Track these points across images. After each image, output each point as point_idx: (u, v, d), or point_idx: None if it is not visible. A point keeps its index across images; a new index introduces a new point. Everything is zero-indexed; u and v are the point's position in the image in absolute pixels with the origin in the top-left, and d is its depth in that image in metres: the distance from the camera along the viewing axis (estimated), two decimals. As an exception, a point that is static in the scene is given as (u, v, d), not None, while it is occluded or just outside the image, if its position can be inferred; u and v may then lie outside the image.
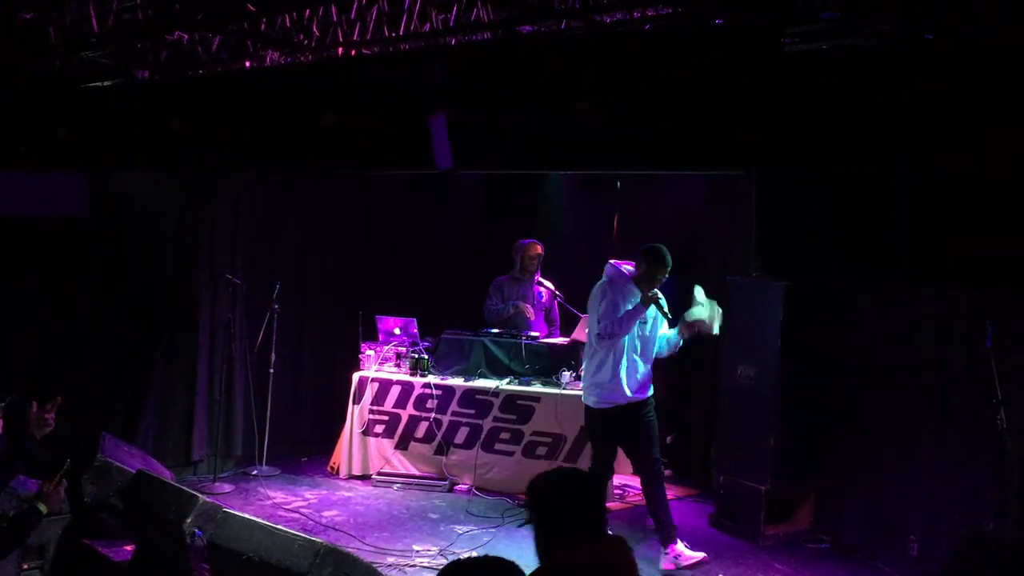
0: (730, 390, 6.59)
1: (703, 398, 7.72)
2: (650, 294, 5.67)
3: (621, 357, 5.79)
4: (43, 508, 4.22)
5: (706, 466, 7.53)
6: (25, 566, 4.84)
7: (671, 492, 7.29)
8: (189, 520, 4.50)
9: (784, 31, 3.69)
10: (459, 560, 2.34)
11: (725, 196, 7.47)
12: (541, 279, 7.69)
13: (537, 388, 7.13)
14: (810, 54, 3.63)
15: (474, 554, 5.81)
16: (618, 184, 8.51)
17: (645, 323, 5.88)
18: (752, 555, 6.04)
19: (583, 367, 6.22)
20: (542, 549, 2.71)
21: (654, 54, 3.56)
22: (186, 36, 4.59)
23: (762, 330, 6.29)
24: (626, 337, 5.77)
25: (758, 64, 3.40)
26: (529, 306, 7.62)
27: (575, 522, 2.69)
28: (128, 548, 5.04)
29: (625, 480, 7.30)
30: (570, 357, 7.22)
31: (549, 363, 7.29)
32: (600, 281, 5.96)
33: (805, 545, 6.25)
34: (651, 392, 5.95)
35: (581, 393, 6.80)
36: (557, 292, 7.69)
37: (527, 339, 7.39)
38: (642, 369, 5.88)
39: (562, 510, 2.70)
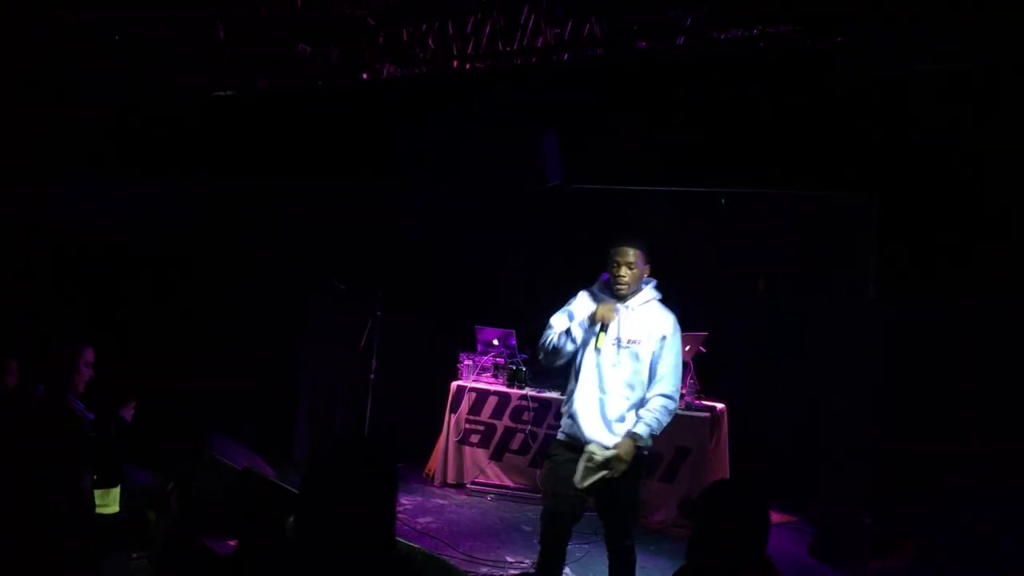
0: (833, 417, 6.42)
1: (803, 422, 7.55)
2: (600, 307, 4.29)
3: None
4: (152, 516, 4.36)
5: (805, 493, 7.36)
6: (134, 556, 5.04)
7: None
8: (292, 518, 4.61)
9: (908, 50, 3.60)
10: None
11: (837, 216, 7.28)
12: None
13: (634, 405, 7.05)
14: (935, 75, 3.53)
15: (567, 569, 5.80)
16: (722, 200, 8.40)
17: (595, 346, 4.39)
18: (852, 588, 5.87)
19: None
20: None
21: (772, 72, 3.52)
22: (308, 48, 4.73)
23: (868, 356, 6.11)
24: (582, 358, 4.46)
25: (881, 84, 3.31)
26: None
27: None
28: (232, 543, 5.19)
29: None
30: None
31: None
32: None
33: (907, 581, 6.04)
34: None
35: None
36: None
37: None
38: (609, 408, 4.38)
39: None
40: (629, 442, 4.24)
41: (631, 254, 4.28)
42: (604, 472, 4.25)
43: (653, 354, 4.30)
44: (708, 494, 2.69)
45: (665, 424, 4.28)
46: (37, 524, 3.60)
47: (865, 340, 6.17)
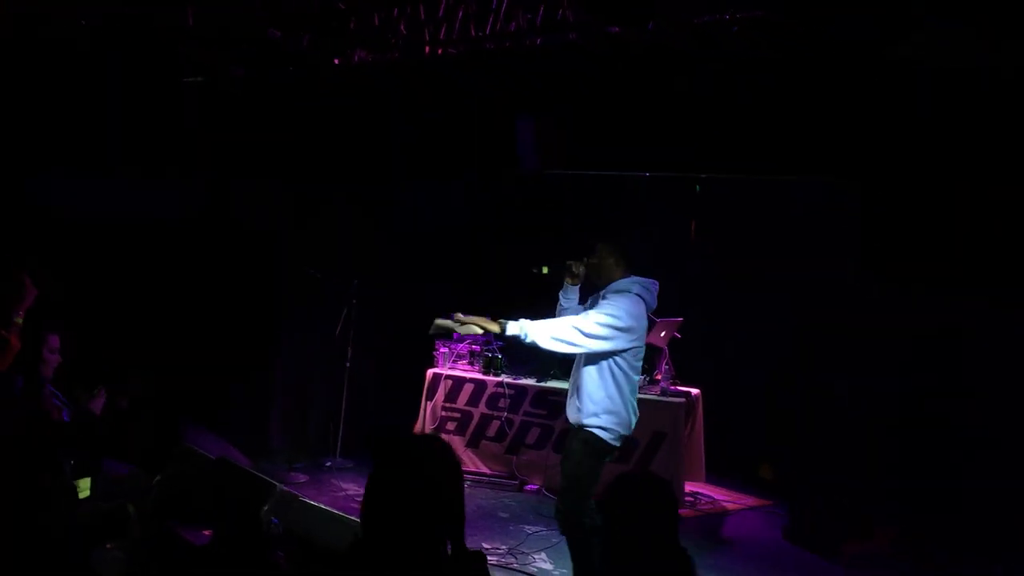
0: (817, 403, 6.44)
1: (782, 406, 7.59)
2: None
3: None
4: (132, 509, 4.34)
5: (782, 477, 7.42)
6: (109, 545, 5.00)
7: (744, 501, 7.22)
8: (266, 507, 4.59)
9: (887, 38, 3.60)
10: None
11: (822, 203, 7.28)
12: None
13: (610, 391, 7.05)
14: (918, 65, 3.53)
15: (543, 555, 5.81)
16: (697, 187, 8.41)
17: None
18: (829, 573, 5.91)
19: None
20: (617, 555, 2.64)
21: (749, 58, 3.51)
22: (278, 33, 4.69)
23: (857, 343, 6.11)
24: None
25: (859, 71, 3.32)
26: None
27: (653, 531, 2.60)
28: (207, 532, 5.16)
29: (696, 488, 7.24)
30: (645, 362, 7.15)
31: (623, 367, 7.20)
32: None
33: (886, 565, 6.08)
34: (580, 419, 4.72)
35: (649, 397, 6.77)
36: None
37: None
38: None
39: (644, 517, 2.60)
40: (491, 323, 4.55)
41: (596, 247, 4.75)
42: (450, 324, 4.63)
43: None
44: (611, 488, 2.68)
45: (550, 337, 4.47)
46: (24, 516, 3.56)
47: (846, 323, 6.18)
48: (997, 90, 3.20)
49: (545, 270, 4.78)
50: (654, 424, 6.74)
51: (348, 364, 7.56)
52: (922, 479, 6.09)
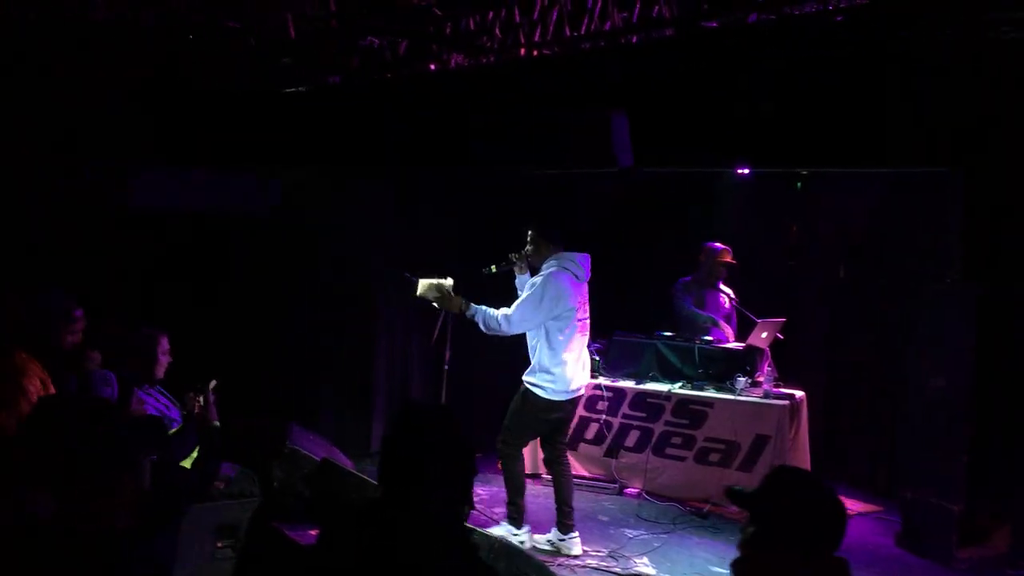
0: (919, 401, 6.22)
1: (887, 408, 7.35)
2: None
3: None
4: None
5: (889, 481, 7.18)
6: (220, 544, 5.15)
7: (852, 507, 6.99)
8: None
9: (990, 18, 3.45)
10: None
11: (921, 197, 7.04)
12: (722, 285, 7.51)
13: (711, 393, 6.95)
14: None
15: (645, 559, 5.75)
16: (798, 184, 8.20)
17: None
18: (943, 579, 5.69)
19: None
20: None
21: (847, 46, 3.40)
22: (376, 41, 4.76)
23: (956, 338, 5.90)
24: None
25: (961, 53, 3.18)
26: (728, 328, 7.47)
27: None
28: (313, 532, 5.26)
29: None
30: (745, 362, 7.02)
31: (724, 368, 7.08)
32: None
33: (1003, 571, 5.82)
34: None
35: (751, 400, 6.66)
36: (734, 297, 7.50)
37: (701, 343, 7.24)
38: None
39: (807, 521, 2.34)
40: (457, 298, 5.83)
41: (527, 233, 5.76)
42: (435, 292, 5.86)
43: None
44: (766, 481, 2.44)
45: (487, 326, 5.74)
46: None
47: (954, 322, 5.95)
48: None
49: (494, 269, 5.91)
50: (756, 427, 6.60)
51: (446, 367, 7.61)
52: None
